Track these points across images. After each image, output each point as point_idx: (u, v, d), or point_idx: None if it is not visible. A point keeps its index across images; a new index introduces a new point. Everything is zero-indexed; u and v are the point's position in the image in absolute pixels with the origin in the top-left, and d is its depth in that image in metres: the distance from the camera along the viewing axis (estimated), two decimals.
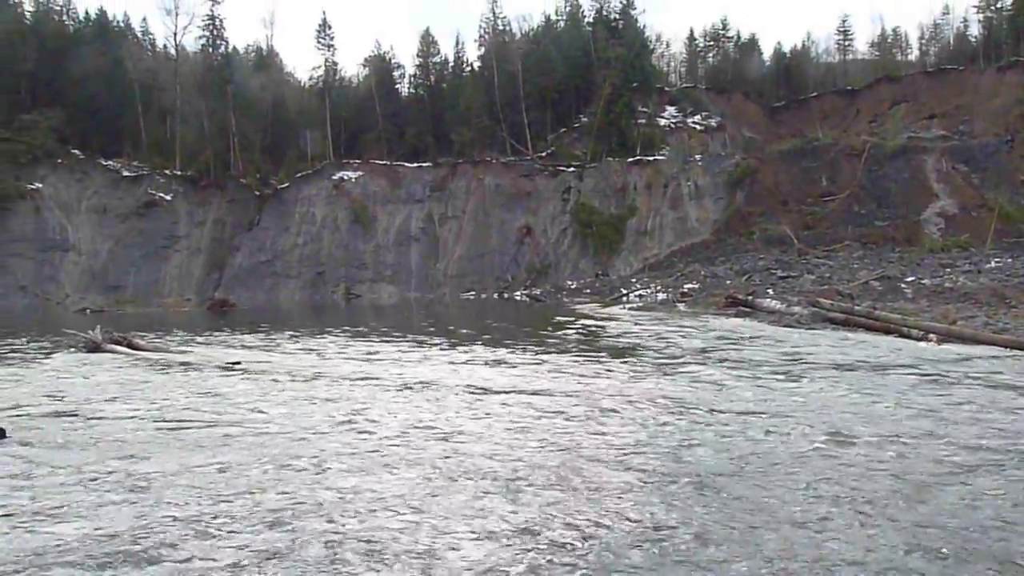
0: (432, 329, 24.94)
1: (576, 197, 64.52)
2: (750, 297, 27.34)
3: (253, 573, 3.93)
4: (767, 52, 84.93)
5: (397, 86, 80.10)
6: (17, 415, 8.59)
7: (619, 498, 5.10)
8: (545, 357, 14.05)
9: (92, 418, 8.52)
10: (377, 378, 11.66)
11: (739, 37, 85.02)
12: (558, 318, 26.62)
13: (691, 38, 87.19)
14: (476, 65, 78.60)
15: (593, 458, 6.11)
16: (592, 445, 6.57)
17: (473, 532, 4.49)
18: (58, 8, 78.00)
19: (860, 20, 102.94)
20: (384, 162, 69.20)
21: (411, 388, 10.49)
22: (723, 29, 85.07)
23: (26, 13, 75.19)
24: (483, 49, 78.27)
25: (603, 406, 8.27)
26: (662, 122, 69.78)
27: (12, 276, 62.47)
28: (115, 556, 4.16)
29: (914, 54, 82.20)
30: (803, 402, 8.41)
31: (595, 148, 65.90)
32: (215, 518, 4.79)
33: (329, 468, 6.03)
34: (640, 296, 44.01)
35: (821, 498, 5.02)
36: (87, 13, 79.15)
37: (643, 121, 67.93)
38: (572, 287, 55.03)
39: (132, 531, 4.55)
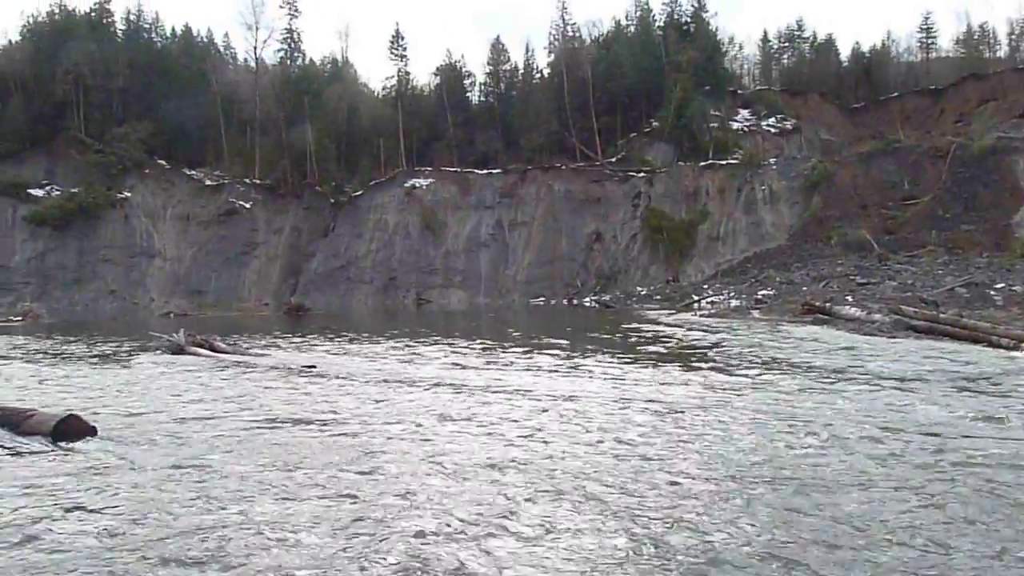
0: (509, 334, 25.02)
1: (647, 202, 63.99)
2: (828, 304, 26.62)
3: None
4: (845, 52, 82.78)
5: (467, 94, 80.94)
6: (107, 414, 9.07)
7: (716, 506, 5.13)
8: (622, 364, 13.99)
9: (176, 418, 8.94)
10: (457, 383, 11.82)
11: (815, 37, 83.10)
12: (634, 325, 26.43)
13: (765, 39, 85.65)
14: (546, 72, 78.83)
15: (684, 471, 6.13)
16: (690, 457, 6.59)
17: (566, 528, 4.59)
18: (147, 26, 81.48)
19: (944, 17, 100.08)
20: (454, 169, 69.96)
21: (489, 392, 10.61)
22: (798, 30, 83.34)
23: (118, 32, 78.78)
24: (553, 56, 78.44)
25: (691, 419, 8.22)
26: (735, 125, 68.67)
27: (102, 281, 65.49)
28: (191, 554, 4.38)
29: (1003, 51, 78.84)
30: (901, 415, 8.14)
31: (666, 153, 65.26)
32: (290, 519, 5.00)
33: (399, 472, 6.20)
34: (712, 303, 43.30)
35: (935, 520, 4.80)
36: (173, 30, 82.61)
37: (715, 125, 66.96)
38: (642, 293, 54.54)
39: (209, 529, 4.78)
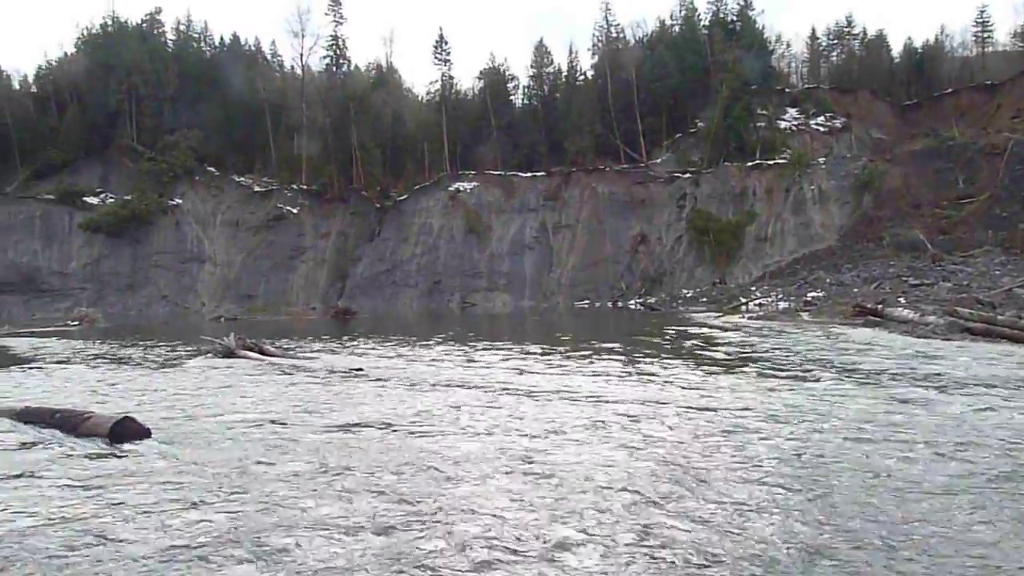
0: (560, 338, 24.89)
1: (692, 203, 63.32)
2: (880, 306, 25.96)
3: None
4: (896, 48, 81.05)
5: (511, 97, 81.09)
6: (161, 416, 9.18)
7: (769, 514, 4.97)
8: (689, 369, 13.76)
9: (227, 420, 9.01)
10: (525, 389, 11.75)
11: (865, 33, 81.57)
12: (685, 328, 26.07)
13: (813, 36, 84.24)
14: (590, 73, 78.60)
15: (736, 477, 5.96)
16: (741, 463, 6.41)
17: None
18: (196, 35, 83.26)
19: (1000, 10, 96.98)
20: (498, 172, 70.09)
21: (564, 400, 10.50)
22: (848, 26, 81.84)
23: (168, 42, 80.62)
24: (596, 57, 78.24)
25: (747, 424, 8.01)
26: (783, 125, 67.62)
27: (155, 286, 67.00)
28: (243, 554, 4.36)
29: None
30: (955, 423, 7.83)
31: (712, 153, 64.54)
32: (339, 519, 4.97)
33: (451, 472, 6.13)
34: (760, 305, 42.62)
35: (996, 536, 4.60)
36: (222, 38, 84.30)
37: (763, 124, 66.05)
38: (688, 295, 53.95)
39: (261, 529, 4.77)
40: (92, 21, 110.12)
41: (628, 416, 8.56)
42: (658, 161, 67.74)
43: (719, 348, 17.74)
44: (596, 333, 26.56)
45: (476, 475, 6.04)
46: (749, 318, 32.17)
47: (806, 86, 76.02)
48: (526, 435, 7.67)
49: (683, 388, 10.77)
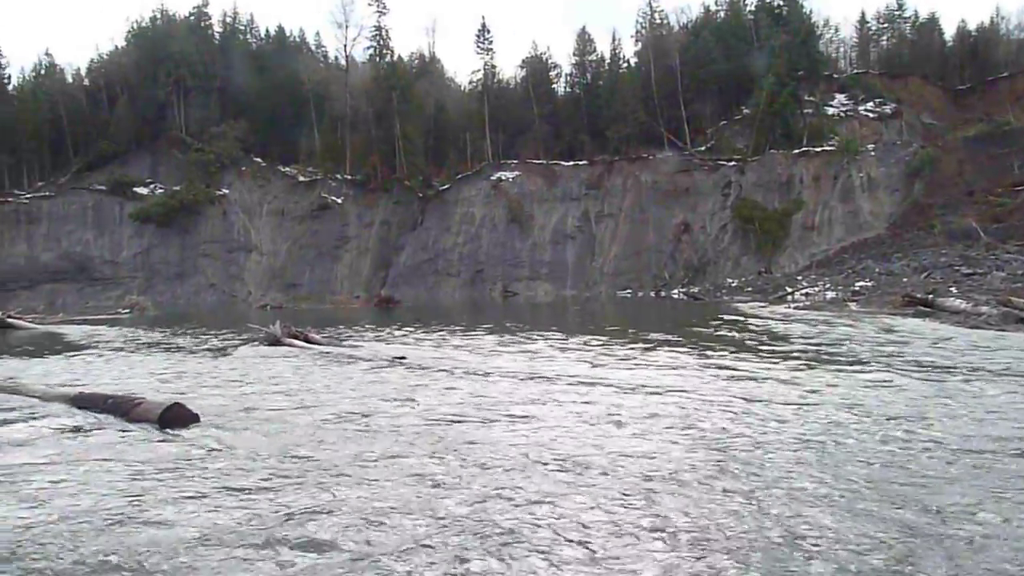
0: (609, 327, 24.77)
1: (737, 192, 62.49)
2: (931, 296, 25.33)
3: (410, 564, 4.05)
4: (949, 31, 78.74)
5: (553, 86, 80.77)
6: (209, 402, 9.33)
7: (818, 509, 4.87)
8: (759, 361, 13.56)
9: (273, 406, 9.12)
10: (544, 376, 11.72)
11: (916, 17, 79.46)
12: (733, 318, 25.69)
13: (862, 20, 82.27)
14: (633, 61, 77.98)
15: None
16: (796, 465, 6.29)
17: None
18: (242, 28, 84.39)
19: None
20: (540, 161, 69.92)
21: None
22: (898, 9, 79.76)
23: (215, 34, 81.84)
24: (640, 44, 77.52)
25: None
26: (830, 111, 66.33)
27: (203, 275, 68.33)
28: (287, 538, 4.40)
29: None
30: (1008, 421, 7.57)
31: (758, 140, 63.56)
32: (382, 505, 4.99)
33: (491, 464, 6.12)
34: (807, 294, 41.98)
35: None
36: (267, 30, 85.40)
37: (810, 111, 64.84)
38: (732, 285, 53.30)
39: (305, 513, 4.81)
40: (142, 15, 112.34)
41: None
42: (702, 149, 66.91)
43: (784, 340, 17.36)
44: (645, 323, 26.33)
45: (509, 466, 6.02)
46: (795, 308, 31.65)
47: (855, 71, 74.42)
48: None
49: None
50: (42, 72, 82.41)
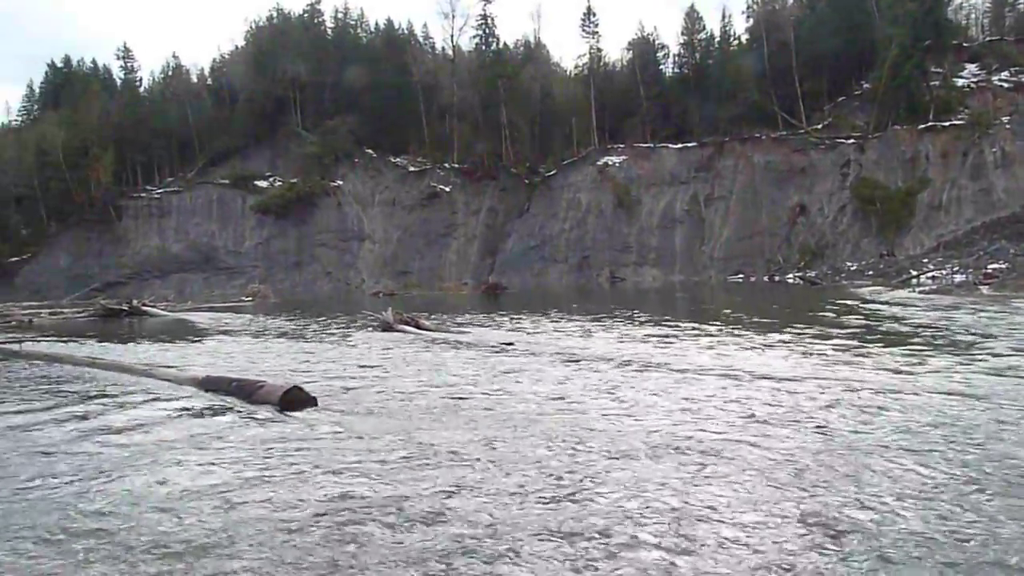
0: (728, 314, 24.15)
1: (857, 171, 59.64)
2: None
3: (533, 548, 4.01)
4: None
5: (661, 67, 79.17)
6: (326, 385, 9.61)
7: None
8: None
9: (386, 391, 9.31)
10: (656, 363, 11.52)
11: None
12: (859, 304, 24.62)
13: None
14: (744, 38, 75.57)
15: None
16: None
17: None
18: (353, 23, 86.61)
19: None
20: (648, 145, 68.80)
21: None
22: None
23: (327, 30, 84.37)
24: (751, 20, 75.02)
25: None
26: (960, 82, 62.21)
27: (319, 263, 70.85)
28: (401, 516, 4.45)
29: None
30: None
31: (879, 116, 60.41)
32: (493, 487, 4.98)
33: (613, 449, 6.03)
34: (933, 278, 39.77)
35: None
36: (377, 24, 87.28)
37: (937, 83, 61.03)
38: (852, 269, 51.02)
39: (417, 496, 4.85)
40: (259, 15, 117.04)
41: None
42: (819, 127, 64.16)
43: (913, 326, 16.43)
44: (762, 309, 25.36)
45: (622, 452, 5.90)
46: (921, 292, 30.03)
47: (987, 39, 69.46)
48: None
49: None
50: (169, 74, 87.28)
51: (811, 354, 11.71)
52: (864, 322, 17.43)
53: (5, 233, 71.91)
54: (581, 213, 68.15)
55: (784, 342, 13.56)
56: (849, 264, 53.29)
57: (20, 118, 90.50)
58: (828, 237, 59.25)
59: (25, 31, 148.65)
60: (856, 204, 58.54)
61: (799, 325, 16.84)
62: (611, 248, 66.44)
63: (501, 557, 3.87)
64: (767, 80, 66.18)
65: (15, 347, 15.64)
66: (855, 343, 13.01)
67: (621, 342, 14.78)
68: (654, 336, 15.86)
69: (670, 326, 18.26)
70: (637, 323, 19.40)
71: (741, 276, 59.13)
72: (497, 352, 13.64)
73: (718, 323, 18.59)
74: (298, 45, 77.22)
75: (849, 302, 24.78)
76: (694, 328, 17.30)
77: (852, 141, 60.99)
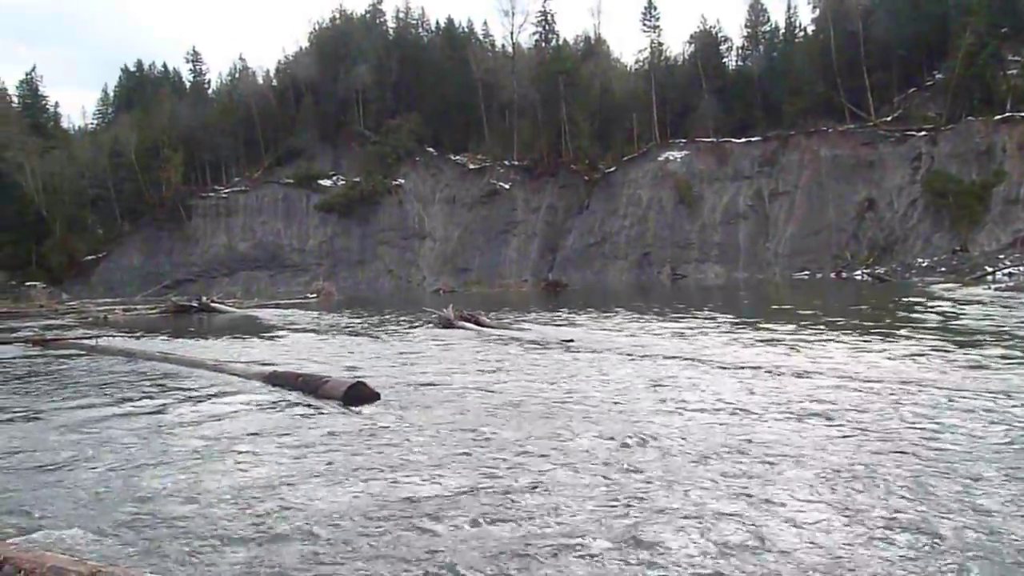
0: (798, 312, 23.68)
1: (929, 164, 57.71)
2: None
3: (586, 537, 4.00)
4: None
5: (723, 60, 77.89)
6: (388, 381, 9.74)
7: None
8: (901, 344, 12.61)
9: (448, 386, 9.38)
10: (716, 361, 11.35)
11: None
12: (919, 300, 23.91)
13: None
14: (810, 28, 73.85)
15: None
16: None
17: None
18: (414, 22, 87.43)
19: None
20: (710, 140, 67.79)
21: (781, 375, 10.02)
22: None
23: (389, 30, 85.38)
24: (818, 10, 73.08)
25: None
26: None
27: (381, 261, 71.77)
28: (468, 513, 4.48)
29: None
30: None
31: (953, 107, 58.33)
32: (559, 484, 4.98)
33: (660, 447, 5.97)
34: (1010, 274, 38.31)
35: None
36: (437, 23, 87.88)
37: (1015, 71, 58.55)
38: (923, 265, 49.42)
39: (477, 489, 4.88)
40: (322, 16, 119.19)
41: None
42: (888, 119, 62.26)
43: (992, 325, 15.86)
44: (831, 307, 24.65)
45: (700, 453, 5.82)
46: (997, 289, 28.93)
47: None
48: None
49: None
50: (236, 76, 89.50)
51: (893, 354, 11.39)
52: (943, 320, 16.85)
53: (82, 233, 74.85)
54: (642, 209, 67.54)
55: (866, 341, 13.21)
56: (920, 260, 51.63)
57: (96, 121, 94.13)
58: (898, 232, 57.50)
59: (101, 38, 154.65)
60: (927, 198, 56.67)
61: (874, 323, 16.38)
62: (672, 245, 65.69)
63: (568, 554, 3.87)
64: (834, 72, 64.45)
65: (92, 343, 16.24)
66: (939, 342, 12.59)
67: (686, 340, 14.60)
68: (715, 332, 15.61)
69: (735, 323, 17.96)
70: (702, 320, 19.14)
71: (807, 273, 57.80)
72: (558, 349, 13.63)
73: (790, 321, 18.16)
74: (360, 45, 78.32)
75: (922, 300, 24.00)
76: (765, 326, 16.96)
77: (924, 133, 59.03)
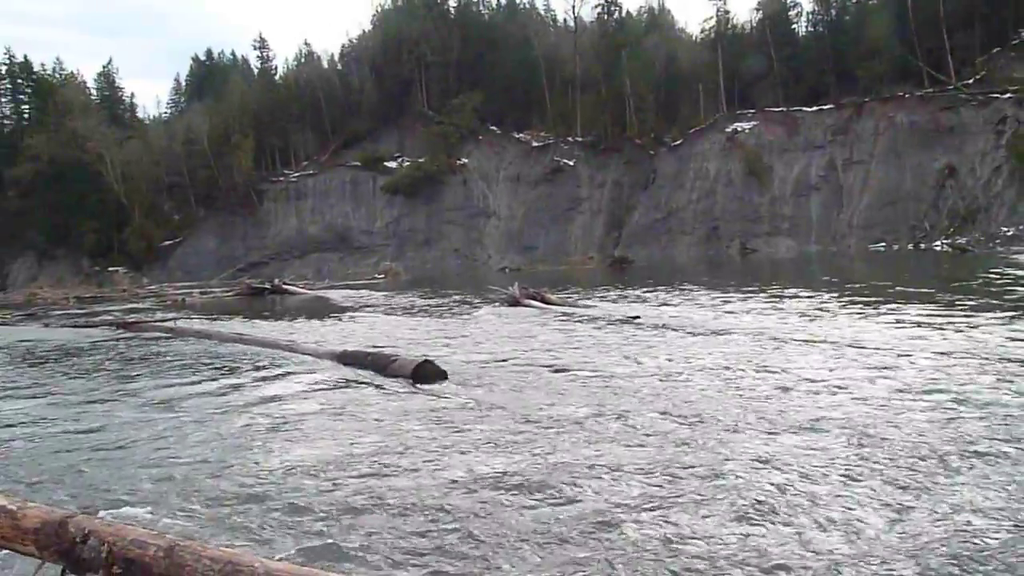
0: (890, 288, 22.76)
1: (1014, 128, 54.91)
2: None
3: (641, 517, 3.96)
4: None
5: (793, 26, 75.43)
6: (455, 359, 9.81)
7: None
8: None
9: (514, 364, 9.41)
10: (786, 338, 11.09)
11: None
12: (1008, 271, 22.81)
13: None
14: None
15: None
16: None
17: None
18: (475, 0, 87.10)
19: None
20: (780, 109, 65.88)
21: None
22: None
23: (451, 9, 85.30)
24: None
25: None
26: None
27: (447, 240, 72.22)
28: (534, 491, 4.48)
29: None
30: None
31: None
32: (625, 462, 4.94)
33: (727, 427, 5.87)
34: None
35: None
36: (498, 0, 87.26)
37: None
38: (1008, 234, 47.22)
39: (549, 469, 4.88)
40: None
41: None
42: (970, 82, 59.39)
43: None
44: (912, 279, 23.43)
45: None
46: None
47: None
48: None
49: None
50: (302, 61, 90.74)
51: (982, 328, 10.94)
52: None
53: (159, 219, 77.50)
54: (709, 183, 66.21)
55: (949, 314, 12.72)
56: (1005, 229, 49.34)
57: (169, 110, 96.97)
58: (980, 200, 55.04)
59: (173, 30, 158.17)
60: (1013, 164, 53.99)
61: (961, 297, 15.75)
62: (742, 218, 64.28)
63: (630, 531, 3.84)
64: (911, 33, 61.71)
65: (171, 325, 16.81)
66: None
67: (757, 315, 14.29)
68: (790, 307, 15.22)
69: (809, 297, 17.49)
70: (773, 295, 18.70)
71: (883, 244, 55.90)
72: (624, 325, 13.51)
73: (870, 294, 17.48)
74: (422, 26, 78.46)
75: (1010, 271, 22.94)
76: (843, 299, 16.42)
77: (1009, 96, 56.15)
